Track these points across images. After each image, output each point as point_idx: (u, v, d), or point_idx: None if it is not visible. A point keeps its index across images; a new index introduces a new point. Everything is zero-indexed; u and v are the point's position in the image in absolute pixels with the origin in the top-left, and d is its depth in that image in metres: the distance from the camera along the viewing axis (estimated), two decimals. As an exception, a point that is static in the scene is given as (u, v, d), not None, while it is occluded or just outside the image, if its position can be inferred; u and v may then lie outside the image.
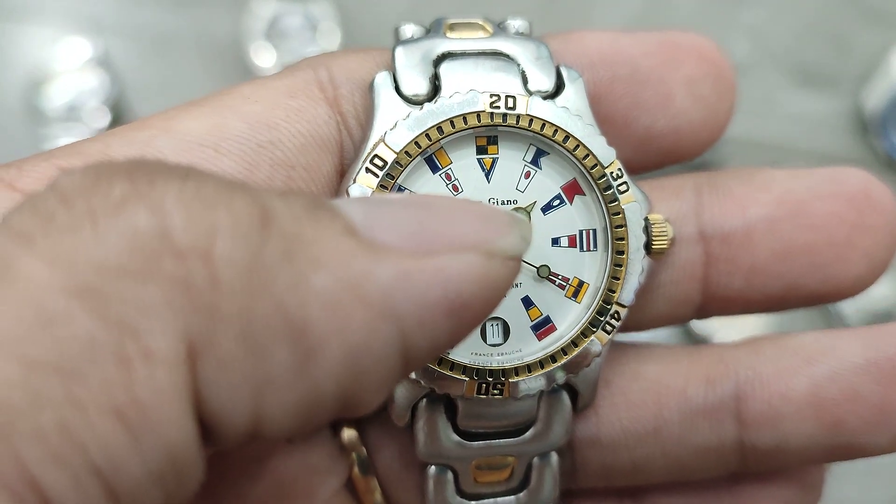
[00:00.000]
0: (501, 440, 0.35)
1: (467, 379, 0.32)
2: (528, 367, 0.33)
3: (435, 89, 0.33)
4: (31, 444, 0.19)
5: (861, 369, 0.34)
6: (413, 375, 0.32)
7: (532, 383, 0.33)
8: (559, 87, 0.34)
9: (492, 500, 0.36)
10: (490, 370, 0.33)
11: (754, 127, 0.77)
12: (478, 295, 0.24)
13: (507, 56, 0.33)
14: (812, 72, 0.81)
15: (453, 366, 0.32)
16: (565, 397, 0.35)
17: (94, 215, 0.21)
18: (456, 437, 0.34)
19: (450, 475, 0.35)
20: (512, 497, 0.36)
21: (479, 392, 0.33)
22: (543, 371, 0.33)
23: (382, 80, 0.32)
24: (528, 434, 0.35)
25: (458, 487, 0.36)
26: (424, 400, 0.33)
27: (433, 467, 0.35)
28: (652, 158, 0.36)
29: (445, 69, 0.33)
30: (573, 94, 0.33)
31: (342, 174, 0.33)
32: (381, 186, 0.32)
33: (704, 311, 0.37)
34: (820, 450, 0.35)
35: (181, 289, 0.21)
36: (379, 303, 0.23)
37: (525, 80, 0.33)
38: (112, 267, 0.21)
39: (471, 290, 0.23)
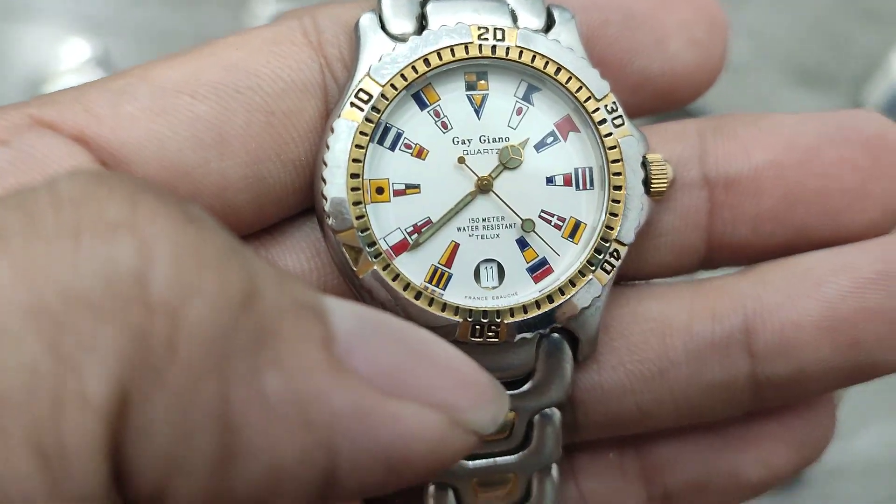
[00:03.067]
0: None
1: (460, 320, 0.31)
2: (524, 308, 0.31)
3: (422, 28, 0.32)
4: None
5: (873, 284, 0.32)
6: (403, 317, 0.31)
7: (529, 324, 0.31)
8: (549, 26, 0.33)
9: None
10: (484, 311, 0.31)
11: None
12: (424, 458, 0.22)
13: None
14: (812, 72, 0.81)
15: (445, 306, 0.31)
16: (565, 347, 0.33)
17: (80, 232, 0.20)
18: None
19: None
20: None
21: (472, 335, 0.31)
22: (540, 312, 0.32)
23: (368, 21, 0.32)
24: (527, 386, 0.33)
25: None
26: None
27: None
28: (648, 102, 0.35)
29: (432, 8, 0.32)
30: (564, 32, 0.33)
31: (327, 119, 0.32)
32: (367, 120, 0.31)
33: (710, 262, 0.36)
34: (838, 374, 0.33)
35: (137, 341, 0.20)
36: (322, 429, 0.21)
37: (514, 19, 0.33)
38: (78, 296, 0.20)
39: (418, 452, 0.22)
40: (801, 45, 0.83)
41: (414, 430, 0.22)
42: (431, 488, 0.34)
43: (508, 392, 0.33)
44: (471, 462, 0.33)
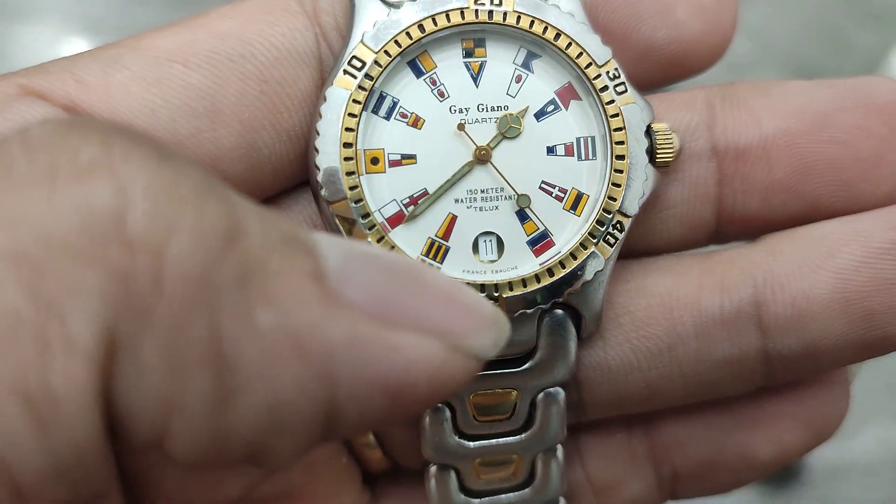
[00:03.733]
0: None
1: (458, 294, 0.30)
2: (524, 282, 0.30)
3: None
4: None
5: (888, 254, 0.31)
6: None
7: (528, 299, 0.30)
8: None
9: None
10: (482, 284, 0.30)
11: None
12: (425, 387, 0.22)
13: None
14: (812, 71, 0.80)
15: (442, 280, 0.30)
16: (568, 324, 0.32)
17: (54, 176, 0.20)
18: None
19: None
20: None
21: (471, 309, 0.30)
22: (540, 285, 0.30)
23: None
24: (530, 364, 0.32)
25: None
26: None
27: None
28: (655, 73, 0.34)
29: None
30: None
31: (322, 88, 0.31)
32: (360, 88, 0.30)
33: (721, 235, 0.34)
34: (852, 347, 0.32)
35: (119, 281, 0.19)
36: (318, 362, 0.21)
37: None
38: (56, 240, 0.19)
39: (419, 380, 0.22)
40: (801, 45, 0.83)
41: (413, 357, 0.22)
42: (433, 469, 0.33)
43: (510, 370, 0.32)
44: (473, 443, 0.32)
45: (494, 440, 0.32)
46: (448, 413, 0.32)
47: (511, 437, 0.33)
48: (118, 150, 0.20)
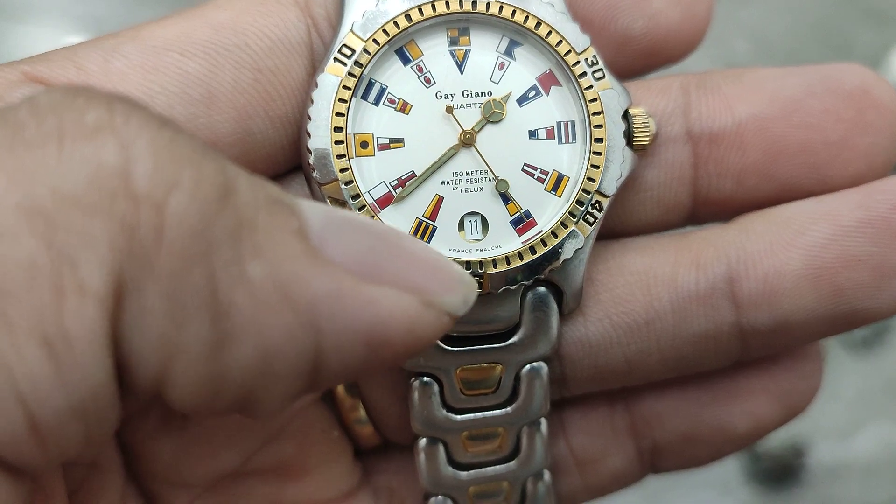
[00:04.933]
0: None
1: (444, 270, 0.31)
2: (507, 259, 0.32)
3: None
4: None
5: (855, 232, 0.32)
6: None
7: (511, 276, 0.32)
8: None
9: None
10: (467, 262, 0.31)
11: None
12: (402, 338, 0.24)
13: None
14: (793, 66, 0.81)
15: (429, 257, 0.31)
16: (550, 300, 0.33)
17: (63, 136, 0.21)
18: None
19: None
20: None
21: (456, 285, 0.31)
22: (523, 262, 0.32)
23: None
24: (514, 339, 0.33)
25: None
26: None
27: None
28: (634, 62, 0.35)
29: None
30: None
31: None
32: (350, 75, 0.31)
33: (696, 217, 0.36)
34: (822, 322, 0.33)
35: (126, 231, 0.21)
36: (304, 311, 0.23)
37: None
38: (67, 194, 0.21)
39: (396, 332, 0.24)
40: (800, 45, 0.83)
41: (391, 311, 0.23)
42: (423, 442, 0.34)
43: (494, 345, 0.33)
44: (459, 416, 0.34)
45: (480, 413, 0.34)
46: (436, 387, 0.33)
47: (497, 411, 0.34)
48: (120, 113, 0.22)
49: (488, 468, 0.35)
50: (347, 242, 0.24)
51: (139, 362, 0.22)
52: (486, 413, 0.34)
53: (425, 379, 0.33)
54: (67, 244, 0.20)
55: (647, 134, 0.33)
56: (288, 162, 0.33)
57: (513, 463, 0.35)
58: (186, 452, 0.32)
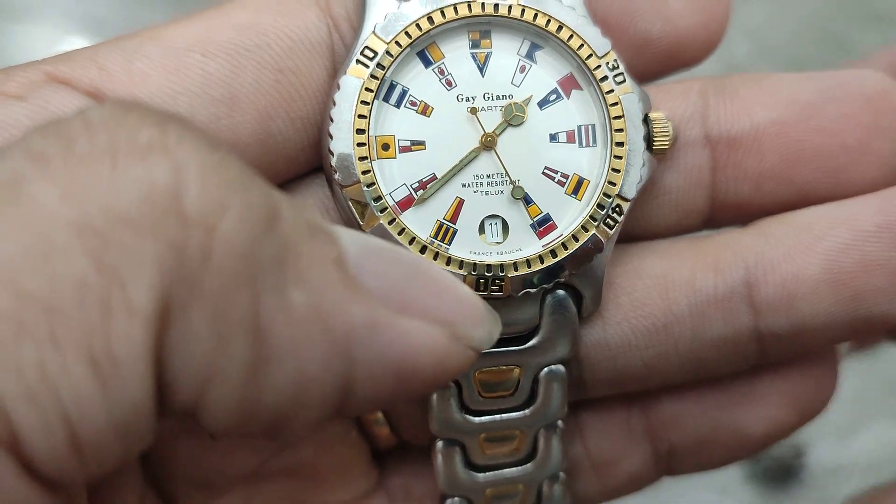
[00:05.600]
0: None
1: (465, 274, 0.31)
2: (528, 262, 0.32)
3: None
4: (8, 377, 0.19)
5: (874, 237, 0.32)
6: None
7: (532, 279, 0.32)
8: None
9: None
10: (488, 265, 0.32)
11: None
12: (430, 370, 0.24)
13: None
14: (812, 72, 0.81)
15: (450, 260, 0.31)
16: (570, 303, 0.33)
17: (116, 154, 0.21)
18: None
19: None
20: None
21: (477, 288, 0.31)
22: (543, 266, 0.32)
23: None
24: (533, 342, 0.33)
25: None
26: None
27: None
28: (651, 65, 0.35)
29: None
30: None
31: (335, 77, 0.33)
32: (372, 77, 0.31)
33: (714, 221, 0.36)
34: (840, 327, 0.33)
35: (175, 252, 0.21)
36: (341, 340, 0.23)
37: None
38: (119, 212, 0.21)
39: (426, 364, 0.24)
40: (800, 46, 0.84)
41: (421, 343, 0.24)
42: (440, 444, 0.34)
43: (513, 348, 0.33)
44: (477, 418, 0.34)
45: (498, 416, 0.34)
46: (454, 389, 0.33)
47: (514, 413, 0.34)
48: (173, 133, 0.22)
49: (505, 470, 0.35)
50: (382, 272, 0.24)
51: (179, 383, 0.22)
52: (504, 415, 0.34)
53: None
54: (118, 263, 0.20)
55: (667, 138, 0.33)
56: (308, 163, 0.33)
57: (529, 465, 0.35)
58: (205, 454, 0.32)
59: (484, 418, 0.34)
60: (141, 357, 0.20)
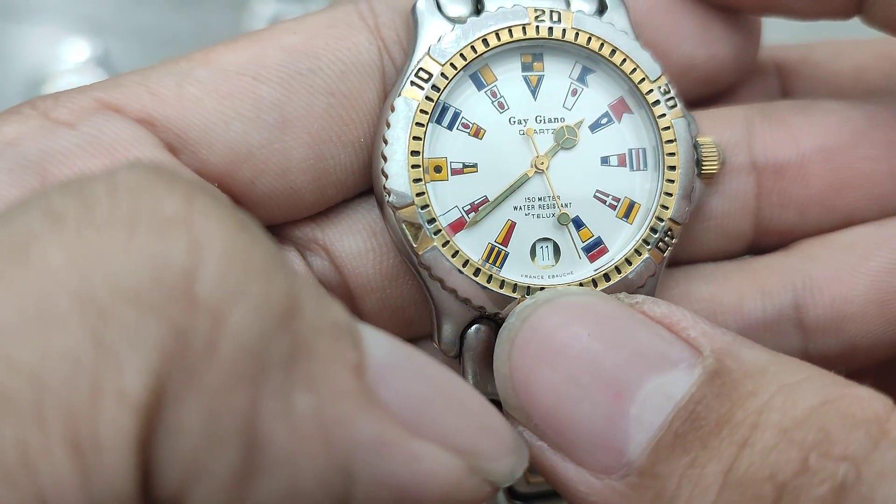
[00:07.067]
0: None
1: (518, 297, 0.31)
2: (581, 286, 0.32)
3: (478, 11, 0.32)
4: None
5: None
6: (461, 294, 0.31)
7: None
8: (602, 10, 0.33)
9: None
10: (542, 288, 0.31)
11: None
12: (436, 501, 0.22)
13: None
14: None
15: (503, 283, 0.31)
16: None
17: (135, 224, 0.20)
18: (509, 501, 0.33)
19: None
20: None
21: (531, 312, 0.31)
22: (597, 290, 0.32)
23: (425, 4, 0.32)
24: None
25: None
26: (473, 330, 0.32)
27: None
28: (693, 88, 0.35)
29: None
30: (616, 16, 0.33)
31: (385, 100, 0.32)
32: (427, 99, 0.31)
33: (757, 247, 0.36)
34: (888, 346, 0.33)
35: (178, 337, 0.20)
36: (342, 456, 0.21)
37: (568, 3, 0.33)
38: (125, 287, 0.19)
39: (433, 494, 0.22)
40: (800, 45, 0.85)
41: (432, 471, 0.22)
42: None
43: None
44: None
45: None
46: None
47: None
48: (200, 209, 0.21)
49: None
50: (404, 384, 0.22)
51: (162, 475, 0.20)
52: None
53: None
54: (115, 342, 0.19)
55: (716, 162, 0.33)
56: (356, 187, 0.33)
57: None
58: None
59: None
60: (126, 444, 0.19)
